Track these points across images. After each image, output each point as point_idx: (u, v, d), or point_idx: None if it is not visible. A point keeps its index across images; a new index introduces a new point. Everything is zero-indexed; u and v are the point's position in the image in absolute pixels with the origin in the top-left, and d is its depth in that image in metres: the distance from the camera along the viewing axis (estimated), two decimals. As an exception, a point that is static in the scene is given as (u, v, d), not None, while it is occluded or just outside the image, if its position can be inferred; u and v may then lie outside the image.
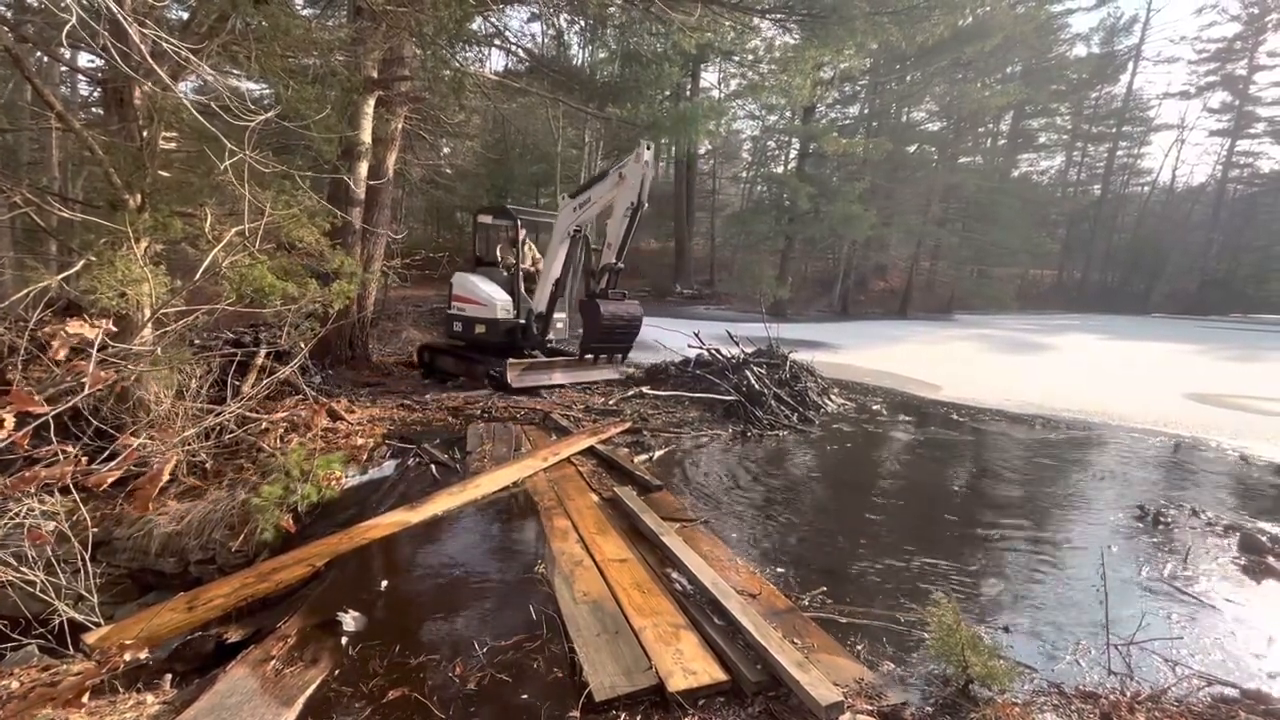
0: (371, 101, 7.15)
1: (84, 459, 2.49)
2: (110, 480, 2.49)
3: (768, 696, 2.41)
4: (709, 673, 2.46)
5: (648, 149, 6.41)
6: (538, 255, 8.75)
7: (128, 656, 2.38)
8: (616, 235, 6.77)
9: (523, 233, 8.15)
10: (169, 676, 2.55)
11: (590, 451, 5.38)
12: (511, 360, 7.37)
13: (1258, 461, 6.69)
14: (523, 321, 7.97)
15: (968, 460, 6.21)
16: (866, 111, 25.82)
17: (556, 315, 8.04)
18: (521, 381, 7.32)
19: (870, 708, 2.38)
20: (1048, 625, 3.22)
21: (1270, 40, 33.82)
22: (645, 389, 7.70)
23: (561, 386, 7.65)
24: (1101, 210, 35.52)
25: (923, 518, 4.66)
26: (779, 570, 3.60)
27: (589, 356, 7.47)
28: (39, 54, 7.72)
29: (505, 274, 8.43)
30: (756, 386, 7.35)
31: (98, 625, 2.77)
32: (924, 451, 6.43)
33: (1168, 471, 6.24)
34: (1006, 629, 3.15)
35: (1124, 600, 3.48)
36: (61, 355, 2.49)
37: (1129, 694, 2.61)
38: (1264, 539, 4.30)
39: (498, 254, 8.97)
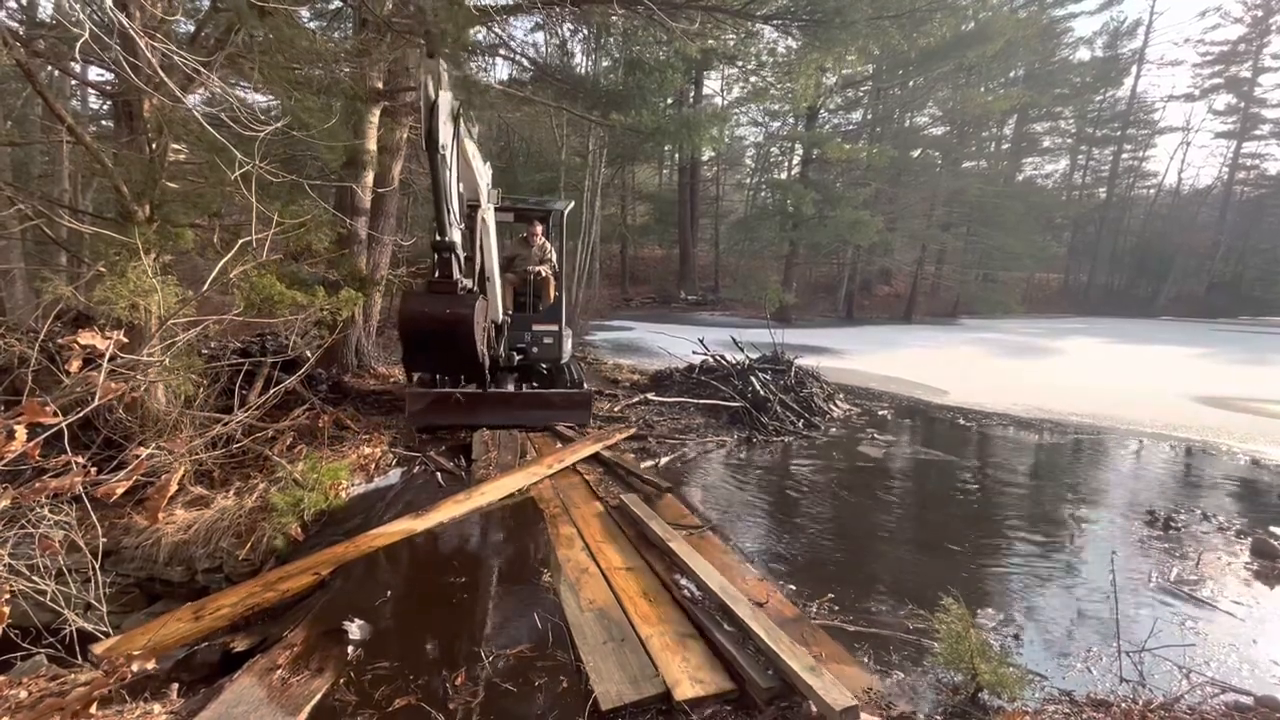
0: (377, 112, 7.21)
1: (93, 469, 2.51)
2: (120, 491, 2.51)
3: (779, 705, 2.39)
4: (716, 681, 2.45)
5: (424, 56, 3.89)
6: (546, 247, 7.03)
7: (135, 666, 2.39)
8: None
9: (490, 222, 5.59)
10: (176, 686, 2.56)
11: (596, 458, 5.37)
12: (413, 391, 5.96)
13: (1269, 465, 6.62)
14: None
15: (975, 465, 6.17)
16: (869, 117, 25.81)
17: (544, 329, 6.78)
18: (421, 419, 5.85)
19: (880, 717, 2.36)
20: (1058, 632, 3.19)
21: (1274, 43, 33.84)
22: (650, 395, 7.70)
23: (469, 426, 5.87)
24: (1107, 213, 35.31)
25: (930, 523, 4.63)
26: (786, 577, 3.58)
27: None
28: (50, 68, 7.83)
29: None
30: (762, 392, 7.34)
31: (106, 635, 2.77)
32: (931, 456, 6.39)
33: (1178, 475, 6.19)
34: (1016, 636, 3.13)
35: (1135, 606, 3.45)
36: (75, 366, 2.52)
37: (1141, 702, 2.58)
38: (1276, 544, 4.25)
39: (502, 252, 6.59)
